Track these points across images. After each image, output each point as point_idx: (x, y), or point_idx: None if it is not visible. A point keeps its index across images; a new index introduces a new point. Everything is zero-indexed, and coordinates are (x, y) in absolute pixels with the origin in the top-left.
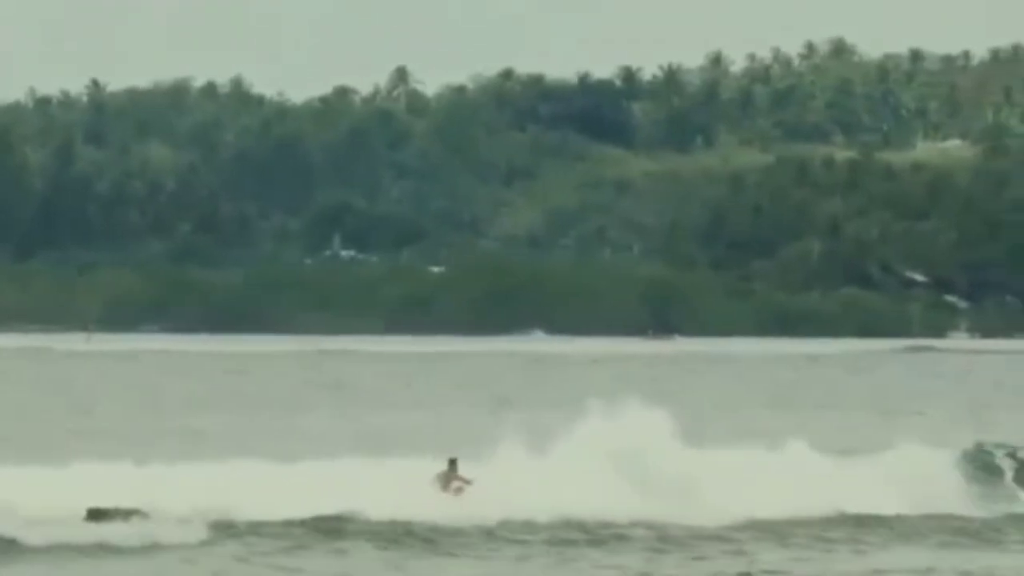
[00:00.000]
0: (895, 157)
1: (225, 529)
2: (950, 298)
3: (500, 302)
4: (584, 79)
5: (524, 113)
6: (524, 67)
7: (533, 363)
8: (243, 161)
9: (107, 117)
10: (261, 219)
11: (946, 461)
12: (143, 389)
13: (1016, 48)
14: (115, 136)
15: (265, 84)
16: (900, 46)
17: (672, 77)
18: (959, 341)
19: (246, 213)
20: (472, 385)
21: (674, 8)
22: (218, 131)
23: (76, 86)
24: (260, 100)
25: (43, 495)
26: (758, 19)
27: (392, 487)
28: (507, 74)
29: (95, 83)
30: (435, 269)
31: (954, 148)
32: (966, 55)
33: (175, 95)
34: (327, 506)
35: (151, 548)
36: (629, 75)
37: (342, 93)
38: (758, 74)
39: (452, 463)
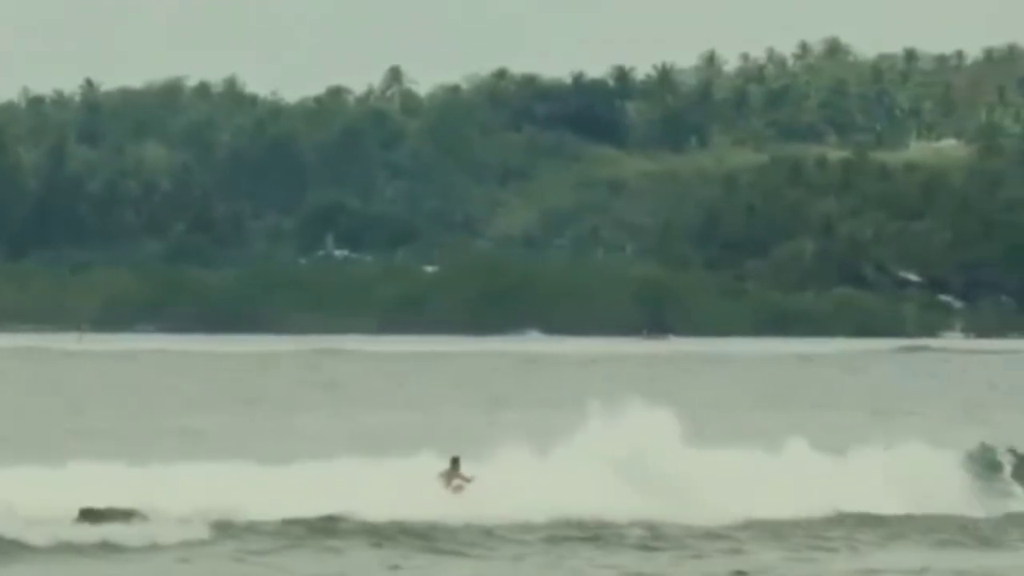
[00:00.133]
0: (889, 157)
1: (222, 529)
2: (944, 298)
3: (495, 302)
4: (578, 79)
5: (518, 113)
6: (518, 67)
7: (528, 363)
8: (237, 161)
9: (101, 117)
10: (255, 219)
11: (943, 460)
12: (137, 389)
13: (1010, 48)
14: (109, 136)
15: (259, 84)
16: (894, 46)
17: (666, 77)
18: (953, 341)
19: (240, 213)
20: (467, 385)
21: (668, 8)
22: (212, 131)
23: (70, 85)
24: (254, 100)
25: (40, 495)
26: (752, 19)
27: (388, 487)
28: (501, 74)
29: (89, 83)
30: (429, 269)
31: (948, 148)
32: (960, 55)
33: (169, 95)
34: (323, 506)
35: (149, 548)
36: (623, 75)
37: (336, 93)
38: (752, 74)
39: (455, 461)
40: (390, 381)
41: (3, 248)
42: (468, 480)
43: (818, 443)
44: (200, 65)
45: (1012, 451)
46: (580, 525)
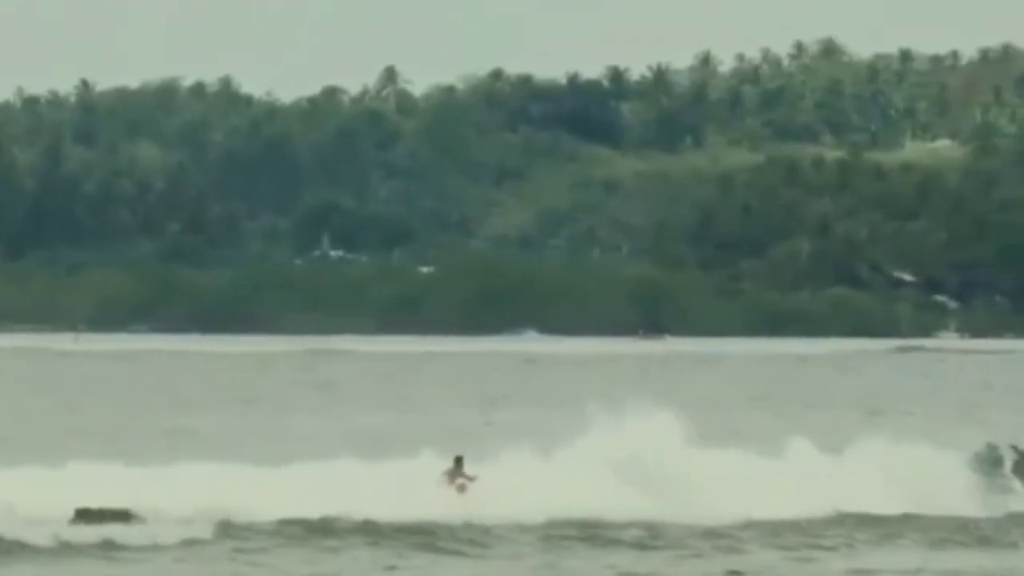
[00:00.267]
0: (884, 157)
1: (220, 529)
2: (939, 298)
3: (490, 302)
4: (573, 79)
5: (513, 113)
6: (513, 67)
7: (524, 363)
8: (232, 161)
9: (96, 117)
10: (250, 219)
11: (942, 460)
12: (134, 389)
13: (1005, 48)
14: (104, 136)
15: (254, 84)
16: (889, 46)
17: (661, 77)
18: (948, 341)
19: (235, 213)
20: (463, 385)
21: (663, 8)
22: (207, 131)
23: (65, 86)
24: (249, 100)
25: (40, 495)
26: (747, 19)
27: (385, 487)
28: (496, 74)
29: (84, 83)
30: (425, 269)
31: (943, 148)
32: (955, 55)
33: (164, 95)
34: (320, 506)
35: (148, 548)
36: (618, 75)
37: (331, 93)
38: (747, 74)
39: (458, 460)
40: (386, 381)
41: None
42: (472, 479)
43: (815, 443)
44: (195, 65)
45: (1015, 448)
46: (578, 525)
